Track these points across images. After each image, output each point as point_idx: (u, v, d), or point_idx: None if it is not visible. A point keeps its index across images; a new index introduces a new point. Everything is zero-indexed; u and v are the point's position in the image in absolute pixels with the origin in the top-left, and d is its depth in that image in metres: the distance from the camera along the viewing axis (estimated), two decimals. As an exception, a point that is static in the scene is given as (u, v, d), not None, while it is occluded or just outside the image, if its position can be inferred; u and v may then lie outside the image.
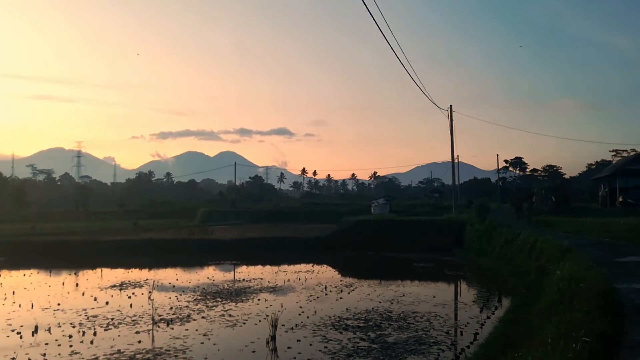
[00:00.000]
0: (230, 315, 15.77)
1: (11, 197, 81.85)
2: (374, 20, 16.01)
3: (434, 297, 18.81)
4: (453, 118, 46.63)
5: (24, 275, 26.22)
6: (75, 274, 26.57)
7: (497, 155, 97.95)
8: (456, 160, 49.85)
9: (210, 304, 17.60)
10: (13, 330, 13.98)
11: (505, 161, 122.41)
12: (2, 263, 31.05)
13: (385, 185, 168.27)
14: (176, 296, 19.30)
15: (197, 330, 13.96)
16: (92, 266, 29.13)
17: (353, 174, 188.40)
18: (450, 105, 46.89)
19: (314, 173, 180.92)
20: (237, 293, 19.85)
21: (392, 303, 17.53)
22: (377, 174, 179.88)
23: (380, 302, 17.62)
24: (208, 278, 24.38)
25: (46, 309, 17.16)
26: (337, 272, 26.79)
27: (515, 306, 14.62)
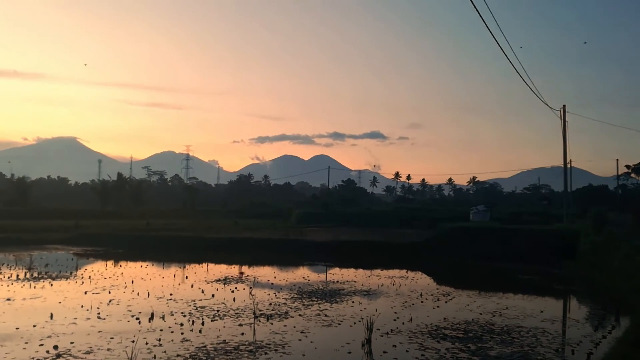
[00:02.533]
0: (325, 315, 16.02)
1: (130, 195, 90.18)
2: (480, 15, 15.43)
3: (542, 311, 17.66)
4: (566, 119, 43.45)
5: (141, 266, 28.69)
6: (184, 267, 28.53)
7: (617, 160, 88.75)
8: (569, 165, 46.32)
9: (306, 303, 18.02)
10: (133, 316, 15.34)
11: (627, 167, 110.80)
12: (122, 254, 34.28)
13: (485, 191, 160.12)
14: (274, 293, 20.00)
15: (294, 327, 14.36)
16: (199, 261, 31.16)
17: (450, 179, 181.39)
18: (564, 105, 43.82)
19: (408, 177, 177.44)
20: (331, 294, 20.09)
21: (494, 315, 16.74)
22: (477, 179, 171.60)
23: (481, 314, 16.91)
24: (303, 278, 24.98)
25: (160, 298, 18.62)
26: (432, 280, 26.08)
27: (636, 326, 13.33)
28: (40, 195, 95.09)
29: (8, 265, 27.12)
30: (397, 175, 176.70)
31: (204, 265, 29.68)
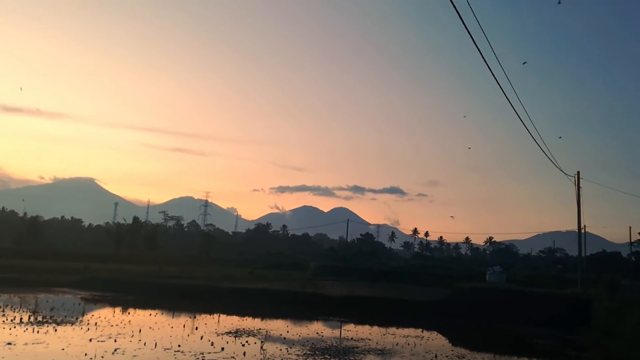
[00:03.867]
0: (343, 378, 14.67)
1: (144, 240, 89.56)
2: (495, 78, 15.08)
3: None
4: (581, 185, 42.76)
5: (150, 314, 27.56)
6: (194, 317, 27.32)
7: (630, 227, 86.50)
8: (583, 230, 45.28)
9: (320, 361, 16.71)
10: (136, 368, 14.20)
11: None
12: (131, 301, 33.21)
13: (501, 252, 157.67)
14: (286, 348, 18.84)
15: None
16: (210, 311, 29.91)
17: (467, 238, 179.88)
18: (578, 172, 43.26)
19: (426, 234, 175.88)
20: (344, 351, 19.07)
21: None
22: (493, 240, 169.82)
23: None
24: (317, 333, 23.78)
25: (167, 349, 17.46)
26: (447, 341, 24.92)
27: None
28: (52, 235, 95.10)
29: (12, 307, 26.25)
30: (415, 231, 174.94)
31: (216, 315, 28.42)
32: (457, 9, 10.04)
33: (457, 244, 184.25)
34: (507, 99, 17.47)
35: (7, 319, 21.78)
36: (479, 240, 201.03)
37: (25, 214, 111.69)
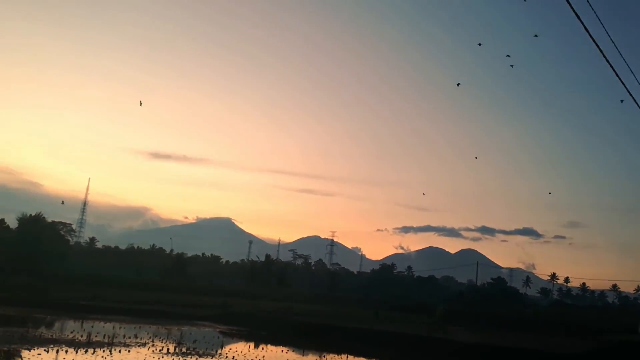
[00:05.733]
0: None
1: (275, 277, 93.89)
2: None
3: None
4: None
5: (281, 350, 28.69)
6: (322, 355, 27.75)
7: None
8: None
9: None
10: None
11: None
12: (264, 337, 34.75)
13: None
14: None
15: None
16: (338, 351, 30.16)
17: (614, 285, 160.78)
18: None
19: (566, 280, 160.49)
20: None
21: None
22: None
23: None
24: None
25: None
26: None
27: None
28: (195, 271, 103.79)
29: (160, 338, 28.87)
30: (553, 276, 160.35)
31: (343, 356, 28.58)
32: None
33: (602, 291, 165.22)
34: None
35: (156, 349, 24.09)
36: (628, 287, 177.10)
37: (171, 250, 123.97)
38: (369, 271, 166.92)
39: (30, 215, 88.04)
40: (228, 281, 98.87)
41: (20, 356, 19.85)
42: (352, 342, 33.96)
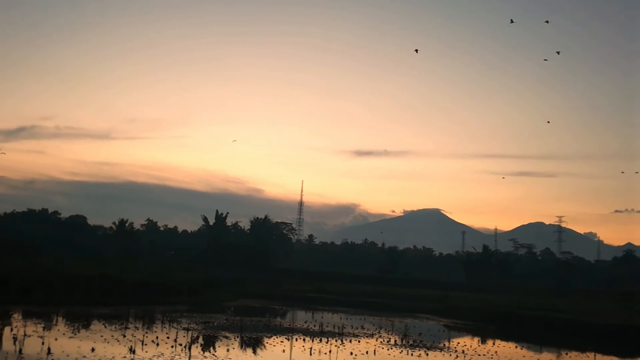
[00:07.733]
0: None
1: (495, 269, 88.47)
2: None
3: None
4: None
5: (515, 347, 26.38)
6: (563, 353, 24.54)
7: None
8: None
9: None
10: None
11: None
12: (491, 332, 32.48)
13: None
14: None
15: None
16: (582, 349, 26.33)
17: None
18: None
19: None
20: None
21: None
22: None
23: None
24: None
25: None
26: None
27: None
28: (407, 264, 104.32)
29: (385, 329, 29.10)
30: None
31: (590, 354, 24.78)
32: None
33: None
34: None
35: (383, 340, 24.23)
36: None
37: (383, 244, 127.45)
38: (609, 259, 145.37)
39: (259, 218, 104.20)
40: (443, 273, 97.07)
41: (264, 343, 22.04)
42: (598, 340, 29.21)
